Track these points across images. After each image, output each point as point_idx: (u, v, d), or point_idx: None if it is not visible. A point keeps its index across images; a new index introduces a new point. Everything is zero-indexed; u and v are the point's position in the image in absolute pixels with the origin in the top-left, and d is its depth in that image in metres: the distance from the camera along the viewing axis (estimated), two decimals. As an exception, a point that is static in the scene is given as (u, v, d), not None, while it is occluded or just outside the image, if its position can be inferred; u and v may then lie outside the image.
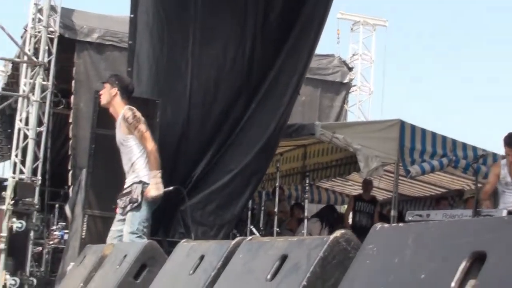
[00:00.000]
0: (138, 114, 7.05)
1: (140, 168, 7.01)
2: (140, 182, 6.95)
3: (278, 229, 12.05)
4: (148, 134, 6.97)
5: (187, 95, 9.68)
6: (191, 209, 9.70)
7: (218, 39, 9.85)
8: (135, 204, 6.90)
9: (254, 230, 11.80)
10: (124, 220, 7.04)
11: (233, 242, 3.22)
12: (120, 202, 7.07)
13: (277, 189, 12.31)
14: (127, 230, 6.90)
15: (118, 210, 7.18)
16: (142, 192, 6.90)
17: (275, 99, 10.01)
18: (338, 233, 2.45)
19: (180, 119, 9.65)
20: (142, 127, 6.97)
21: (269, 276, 2.63)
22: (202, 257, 3.45)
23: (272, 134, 10.08)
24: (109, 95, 7.20)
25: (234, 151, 9.94)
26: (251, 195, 10.72)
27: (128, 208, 6.92)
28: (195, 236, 9.43)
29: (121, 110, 7.09)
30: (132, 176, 7.03)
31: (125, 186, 7.09)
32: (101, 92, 7.26)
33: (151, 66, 9.69)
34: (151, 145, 6.94)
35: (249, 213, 11.95)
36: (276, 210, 12.13)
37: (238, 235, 11.72)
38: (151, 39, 9.72)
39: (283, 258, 2.63)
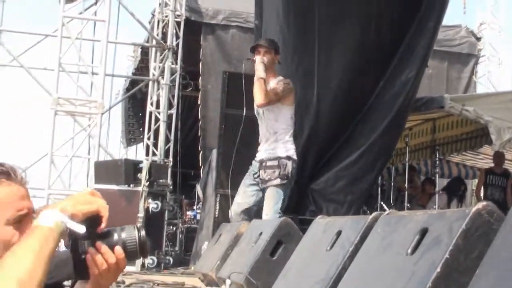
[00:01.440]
0: (290, 86, 7.14)
1: (288, 140, 7.02)
2: (289, 158, 6.95)
3: (408, 205, 11.94)
4: (275, 96, 6.96)
5: (315, 72, 9.66)
6: (321, 187, 9.74)
7: (344, 16, 9.76)
8: (285, 181, 6.88)
9: (384, 206, 11.72)
10: (255, 191, 7.04)
11: (371, 217, 3.22)
12: (264, 174, 6.97)
13: (407, 164, 12.19)
14: (271, 206, 6.81)
15: (249, 180, 7.13)
16: (292, 170, 6.90)
17: (403, 73, 9.86)
18: (480, 205, 2.42)
19: (309, 97, 9.64)
20: (279, 92, 6.98)
21: (409, 250, 2.62)
22: (339, 233, 3.46)
23: (400, 108, 9.94)
24: (273, 61, 7.21)
25: (363, 128, 9.86)
26: (380, 171, 10.62)
27: (275, 182, 6.86)
28: (326, 214, 9.44)
29: (273, 77, 7.13)
30: (276, 146, 7.00)
31: (267, 156, 7.04)
32: (266, 60, 7.09)
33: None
34: (267, 97, 6.90)
35: (379, 189, 11.88)
36: (406, 185, 12.01)
37: (368, 211, 11.67)
38: (277, 18, 9.75)
39: (423, 232, 2.62)
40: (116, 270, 1.88)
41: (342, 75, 9.71)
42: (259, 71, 6.92)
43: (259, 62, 6.97)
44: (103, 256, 1.85)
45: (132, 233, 1.92)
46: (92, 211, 1.85)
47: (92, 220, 1.85)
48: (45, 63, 14.67)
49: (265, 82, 6.91)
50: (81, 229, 1.81)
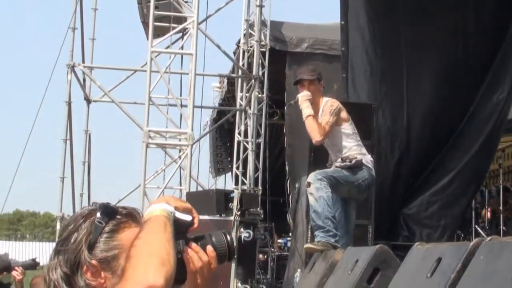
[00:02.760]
0: (336, 105, 6.97)
1: (357, 154, 6.93)
2: (364, 163, 6.89)
3: (504, 228, 11.65)
4: (327, 126, 6.82)
5: (404, 97, 9.62)
6: (414, 211, 9.64)
7: (430, 38, 9.71)
8: (347, 164, 6.82)
9: (479, 229, 11.48)
10: None
11: (472, 243, 3.16)
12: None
13: (501, 186, 11.93)
14: (323, 170, 6.86)
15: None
16: (361, 167, 6.84)
17: (494, 96, 9.72)
18: None
19: (399, 123, 9.61)
20: (329, 120, 6.86)
21: (515, 277, 2.56)
22: (439, 260, 3.40)
23: (492, 130, 9.79)
24: (316, 91, 7.09)
25: (454, 151, 9.76)
26: (474, 194, 10.46)
27: (337, 164, 6.89)
28: (419, 238, 9.32)
29: (323, 100, 7.08)
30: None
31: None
32: (310, 95, 6.96)
33: (365, 70, 9.72)
34: (321, 133, 6.80)
35: (473, 212, 11.63)
36: (501, 208, 11.74)
37: (462, 235, 11.45)
38: (363, 43, 9.76)
39: (529, 258, 2.55)
40: (208, 269, 1.98)
41: (432, 100, 9.64)
42: (305, 108, 6.89)
43: (303, 100, 6.95)
44: (197, 255, 1.97)
45: (221, 238, 2.03)
46: (188, 208, 1.99)
47: (185, 223, 1.98)
48: (135, 97, 14.98)
49: (314, 118, 6.85)
50: (187, 218, 1.97)
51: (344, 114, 7.02)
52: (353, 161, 6.83)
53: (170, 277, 1.74)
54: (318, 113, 7.00)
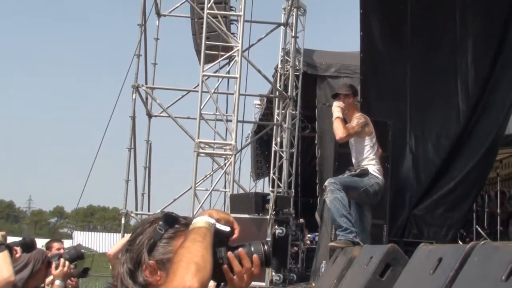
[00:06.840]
0: (363, 120, 6.99)
1: (366, 164, 6.92)
2: (370, 172, 6.86)
3: (501, 228, 11.50)
4: (351, 130, 6.83)
5: (407, 114, 9.66)
6: (422, 213, 9.57)
7: (433, 63, 9.71)
8: (352, 173, 6.82)
9: (479, 229, 11.34)
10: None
11: (468, 246, 3.12)
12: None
13: (499, 192, 11.77)
14: (337, 177, 6.87)
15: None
16: (367, 175, 6.81)
17: (494, 111, 9.60)
18: None
19: (403, 136, 9.62)
20: (354, 127, 6.88)
21: (503, 277, 2.52)
22: (440, 259, 3.37)
23: (492, 143, 9.70)
24: (350, 104, 7.10)
25: (458, 161, 9.67)
26: (475, 198, 10.36)
27: (352, 172, 6.86)
28: (427, 236, 9.28)
29: (355, 114, 7.07)
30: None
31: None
32: (343, 104, 7.00)
33: (378, 94, 9.77)
34: (343, 132, 6.78)
35: (474, 214, 11.48)
36: (498, 211, 11.58)
37: (464, 234, 11.33)
38: (376, 74, 9.84)
39: (516, 261, 2.52)
40: (250, 273, 2.00)
41: (432, 113, 9.71)
42: (336, 112, 6.92)
43: (335, 106, 6.99)
44: (242, 261, 1.98)
45: (259, 247, 2.02)
46: (230, 220, 2.02)
47: (225, 233, 1.99)
48: (188, 113, 15.06)
49: (341, 120, 6.86)
50: (226, 229, 1.98)
51: (368, 129, 7.03)
52: (358, 170, 6.84)
53: (206, 281, 1.76)
54: (351, 122, 7.04)
